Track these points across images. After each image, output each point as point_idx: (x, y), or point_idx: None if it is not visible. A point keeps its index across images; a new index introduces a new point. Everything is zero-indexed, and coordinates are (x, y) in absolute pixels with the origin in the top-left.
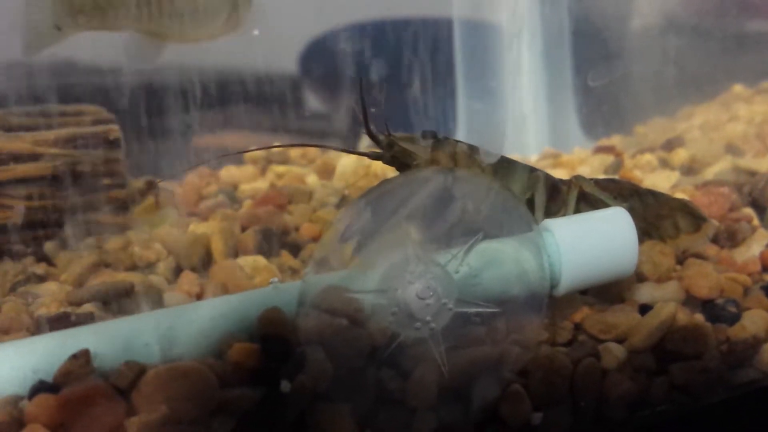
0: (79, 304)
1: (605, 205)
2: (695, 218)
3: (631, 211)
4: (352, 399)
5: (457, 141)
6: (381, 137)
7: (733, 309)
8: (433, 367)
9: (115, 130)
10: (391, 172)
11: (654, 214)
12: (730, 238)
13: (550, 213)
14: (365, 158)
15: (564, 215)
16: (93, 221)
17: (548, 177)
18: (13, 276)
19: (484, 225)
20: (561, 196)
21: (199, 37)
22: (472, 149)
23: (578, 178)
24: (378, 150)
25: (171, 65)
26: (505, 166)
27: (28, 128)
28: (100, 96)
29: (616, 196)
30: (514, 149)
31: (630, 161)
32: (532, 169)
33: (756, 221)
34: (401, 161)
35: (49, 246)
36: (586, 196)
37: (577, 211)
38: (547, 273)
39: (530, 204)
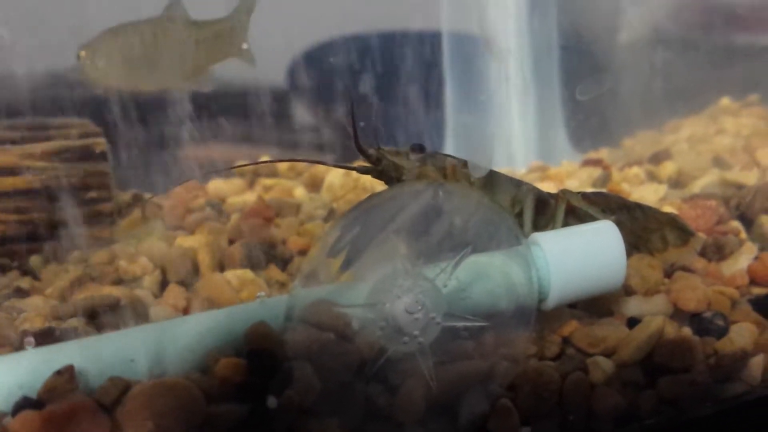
0: (64, 318)
1: (593, 219)
2: (683, 232)
3: (619, 224)
4: (340, 414)
5: (446, 155)
6: (370, 151)
7: (720, 322)
8: (421, 382)
9: (101, 143)
10: (379, 186)
11: (642, 228)
12: (718, 251)
13: (538, 227)
14: (352, 173)
15: (552, 229)
16: (79, 235)
17: (536, 191)
18: None
19: (473, 239)
20: (549, 210)
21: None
22: (461, 163)
23: (566, 192)
24: (367, 164)
25: None
26: (493, 180)
27: (14, 141)
28: (86, 109)
29: (604, 209)
30: (503, 162)
31: (618, 174)
32: (520, 183)
33: (743, 234)
34: (390, 175)
35: (34, 260)
36: (574, 210)
37: (565, 225)
38: (536, 286)
39: (518, 218)
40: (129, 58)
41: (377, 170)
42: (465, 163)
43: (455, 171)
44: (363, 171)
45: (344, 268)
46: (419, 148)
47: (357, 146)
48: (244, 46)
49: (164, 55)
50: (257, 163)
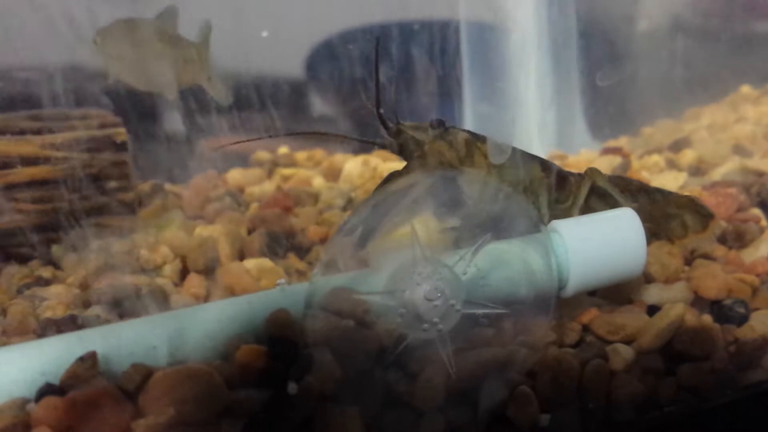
0: (85, 306)
1: (614, 200)
2: (702, 216)
3: (639, 208)
4: (360, 401)
5: (465, 130)
6: (390, 125)
7: (741, 310)
8: (440, 369)
9: (121, 133)
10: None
11: (661, 213)
12: (738, 238)
13: (558, 203)
14: (370, 162)
15: (573, 206)
16: (99, 224)
17: (556, 168)
18: (19, 279)
19: (492, 226)
20: (568, 186)
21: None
22: (480, 139)
23: (593, 171)
24: (386, 138)
25: None
26: (513, 158)
27: (35, 132)
28: (107, 99)
29: (623, 191)
30: None
31: (637, 162)
32: (542, 161)
33: (764, 222)
34: (409, 149)
35: (55, 249)
36: (597, 190)
37: (586, 204)
38: (555, 274)
39: (535, 198)
40: (126, 55)
41: (396, 144)
42: (484, 139)
43: (469, 145)
44: (382, 145)
45: (359, 248)
46: (439, 123)
47: (378, 117)
48: (210, 77)
49: (149, 62)
50: (273, 137)
